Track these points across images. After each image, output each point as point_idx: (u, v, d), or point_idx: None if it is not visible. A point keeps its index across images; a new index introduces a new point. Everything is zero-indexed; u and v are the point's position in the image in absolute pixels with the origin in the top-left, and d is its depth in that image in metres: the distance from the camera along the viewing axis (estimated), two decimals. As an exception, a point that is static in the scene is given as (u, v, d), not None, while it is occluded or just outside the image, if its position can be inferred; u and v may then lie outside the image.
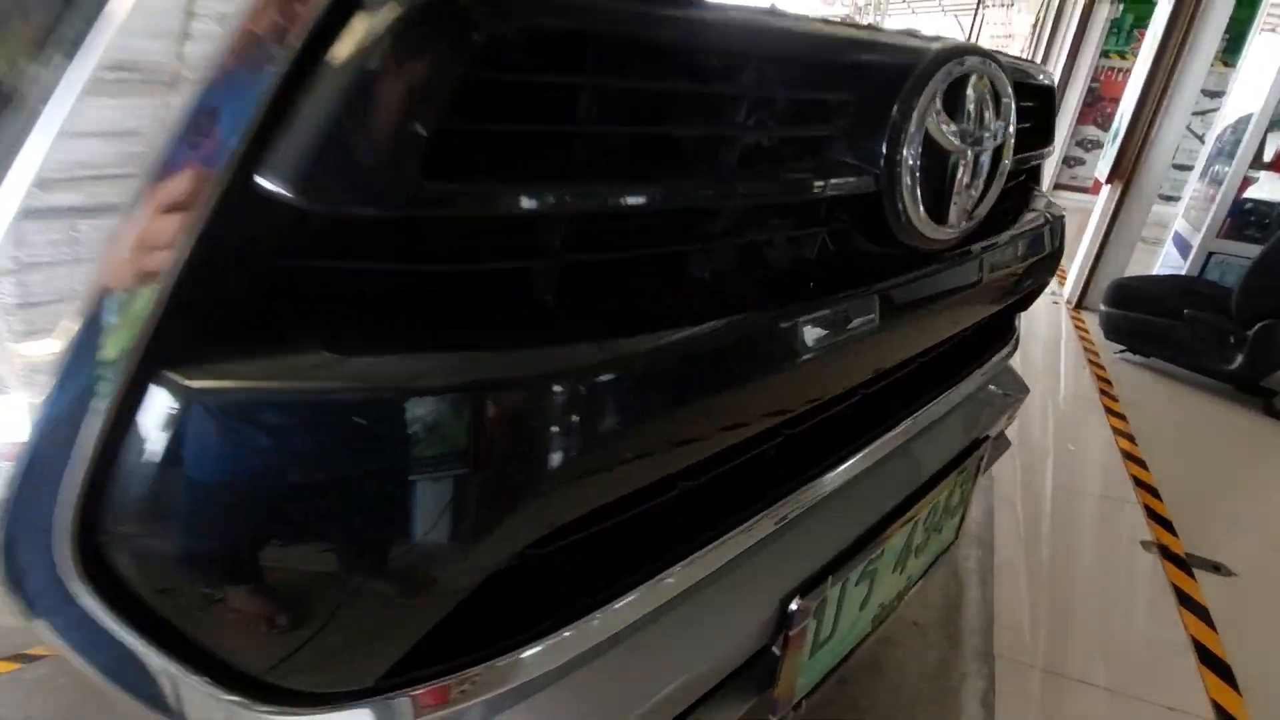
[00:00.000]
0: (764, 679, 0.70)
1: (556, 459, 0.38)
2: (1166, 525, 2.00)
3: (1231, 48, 6.30)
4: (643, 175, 0.45)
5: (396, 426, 0.36)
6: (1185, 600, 1.70)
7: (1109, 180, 3.67)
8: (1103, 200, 3.79)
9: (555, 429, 0.39)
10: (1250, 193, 3.43)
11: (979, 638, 1.55)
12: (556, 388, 0.39)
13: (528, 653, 0.50)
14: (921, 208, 0.64)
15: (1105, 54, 7.81)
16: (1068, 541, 1.92)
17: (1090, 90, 7.80)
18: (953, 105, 0.64)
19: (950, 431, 0.96)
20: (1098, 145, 7.62)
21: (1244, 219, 3.40)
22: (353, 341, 0.37)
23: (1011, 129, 0.71)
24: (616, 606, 0.56)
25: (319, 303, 0.38)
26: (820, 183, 0.55)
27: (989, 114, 0.68)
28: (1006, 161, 0.72)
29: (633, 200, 0.44)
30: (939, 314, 0.74)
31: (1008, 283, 0.88)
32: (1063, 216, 1.05)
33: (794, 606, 0.65)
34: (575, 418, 0.40)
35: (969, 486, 0.99)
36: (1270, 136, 3.45)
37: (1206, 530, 1.99)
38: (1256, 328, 2.69)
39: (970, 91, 0.65)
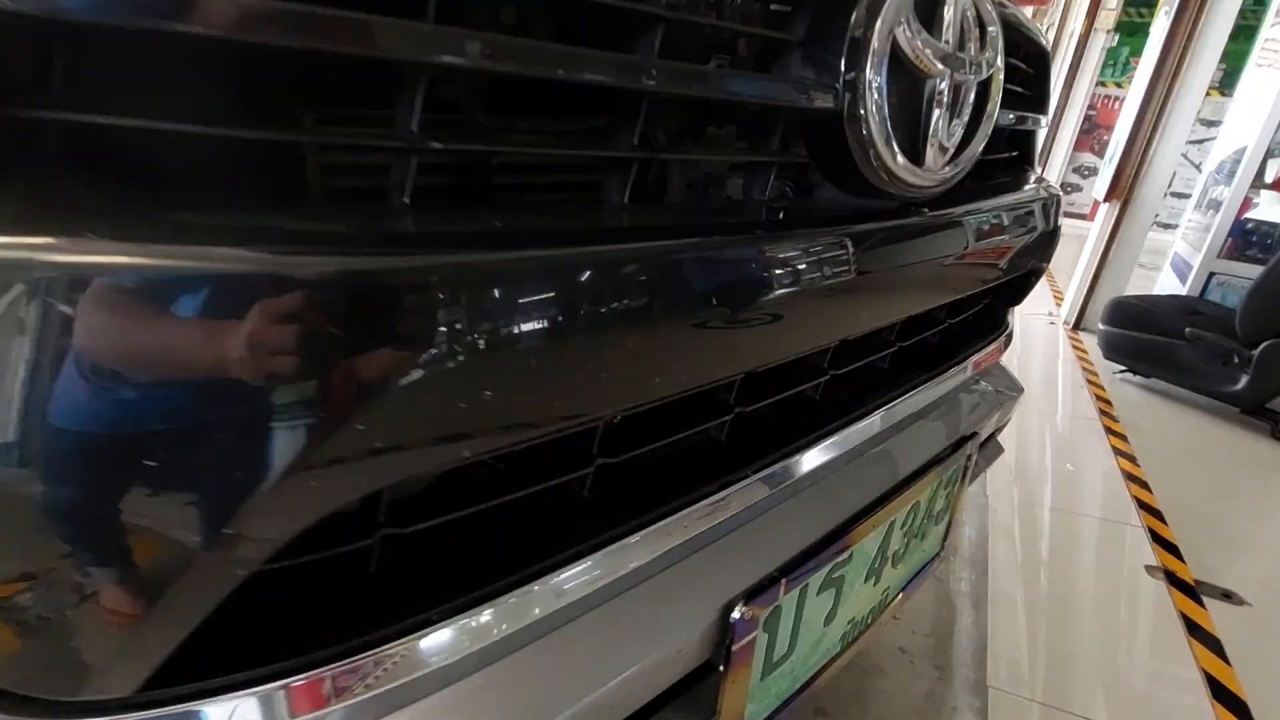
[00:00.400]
0: (706, 704, 0.58)
1: (349, 384, 0.28)
2: (1172, 550, 1.88)
3: (1228, 81, 6.36)
4: (521, 36, 0.35)
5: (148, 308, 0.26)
6: (1195, 630, 1.57)
7: (1107, 198, 3.61)
8: (1100, 218, 3.73)
9: (357, 341, 0.28)
10: (1251, 214, 3.37)
11: (971, 668, 1.42)
12: (363, 290, 0.29)
13: (409, 647, 0.40)
14: (893, 143, 0.55)
15: (1101, 82, 7.85)
16: (1067, 565, 1.79)
17: (1087, 118, 7.83)
18: (929, 23, 0.55)
19: (932, 426, 0.85)
20: (1094, 172, 7.62)
21: (1245, 239, 3.32)
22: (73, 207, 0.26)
23: (999, 62, 0.62)
24: (517, 600, 0.45)
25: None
26: (763, 90, 0.46)
27: (972, 41, 0.59)
28: (996, 98, 0.63)
29: (501, 62, 0.34)
30: (912, 279, 0.64)
31: (995, 256, 0.79)
32: (1059, 195, 0.96)
33: (737, 614, 0.54)
34: (393, 331, 0.29)
35: (955, 489, 0.88)
36: (1271, 162, 3.39)
37: (1215, 556, 1.87)
38: (1261, 347, 2.59)
39: (948, 10, 0.56)
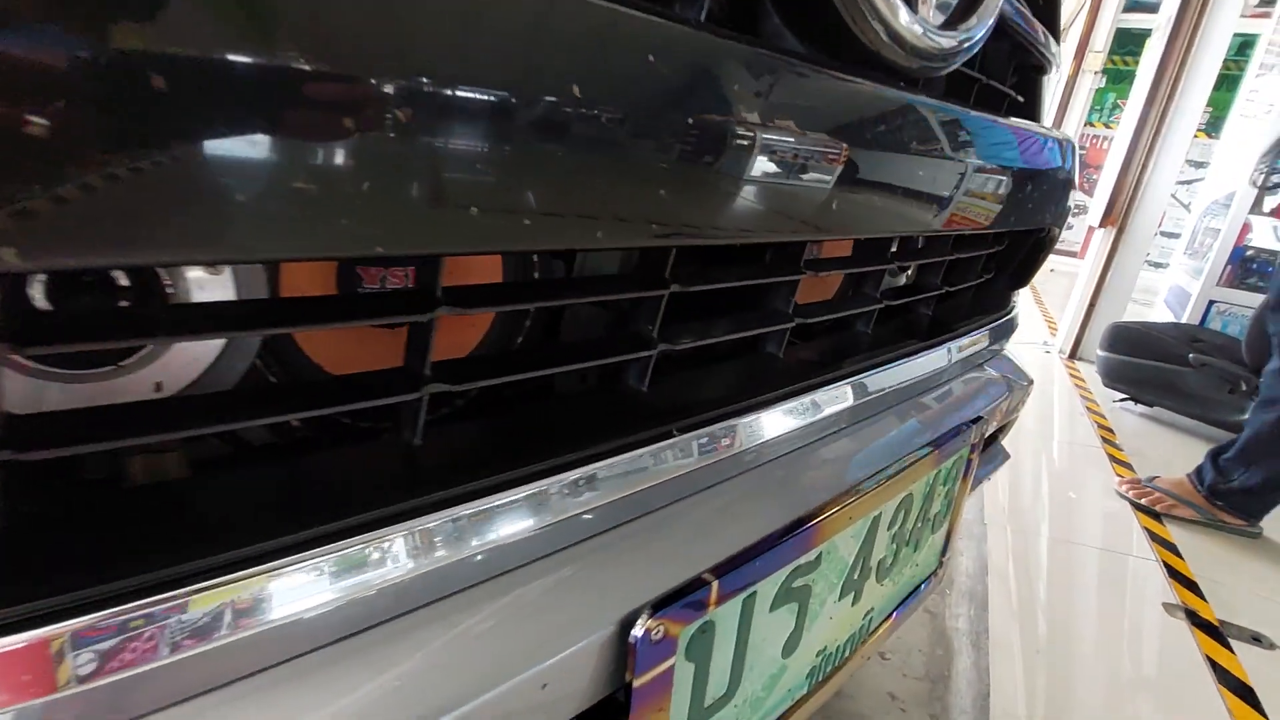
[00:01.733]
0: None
1: None
2: (1191, 587, 1.70)
3: (1213, 126, 6.47)
4: None
5: None
6: (1224, 676, 1.38)
7: (1102, 223, 3.51)
8: (1096, 245, 3.63)
9: None
10: (1249, 240, 3.27)
11: (972, 718, 1.22)
12: None
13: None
14: (872, -31, 0.40)
15: (1089, 123, 7.93)
16: (1076, 601, 1.60)
17: (1075, 156, 7.88)
18: None
19: (928, 403, 0.69)
20: (1084, 210, 7.64)
21: (1245, 266, 3.22)
22: None
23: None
24: (296, 575, 0.29)
25: None
26: None
27: None
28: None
29: None
30: (892, 171, 0.49)
31: (997, 188, 0.63)
32: (1075, 144, 0.82)
33: (639, 631, 0.36)
34: None
35: (956, 488, 0.71)
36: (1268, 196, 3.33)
37: (1239, 595, 1.68)
38: (1270, 374, 2.45)
39: None
